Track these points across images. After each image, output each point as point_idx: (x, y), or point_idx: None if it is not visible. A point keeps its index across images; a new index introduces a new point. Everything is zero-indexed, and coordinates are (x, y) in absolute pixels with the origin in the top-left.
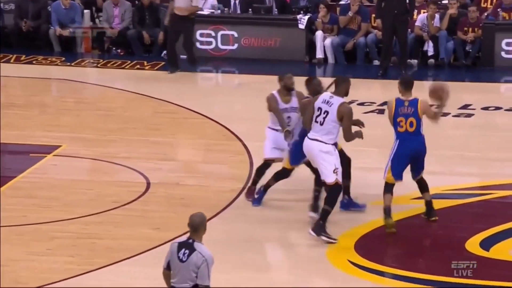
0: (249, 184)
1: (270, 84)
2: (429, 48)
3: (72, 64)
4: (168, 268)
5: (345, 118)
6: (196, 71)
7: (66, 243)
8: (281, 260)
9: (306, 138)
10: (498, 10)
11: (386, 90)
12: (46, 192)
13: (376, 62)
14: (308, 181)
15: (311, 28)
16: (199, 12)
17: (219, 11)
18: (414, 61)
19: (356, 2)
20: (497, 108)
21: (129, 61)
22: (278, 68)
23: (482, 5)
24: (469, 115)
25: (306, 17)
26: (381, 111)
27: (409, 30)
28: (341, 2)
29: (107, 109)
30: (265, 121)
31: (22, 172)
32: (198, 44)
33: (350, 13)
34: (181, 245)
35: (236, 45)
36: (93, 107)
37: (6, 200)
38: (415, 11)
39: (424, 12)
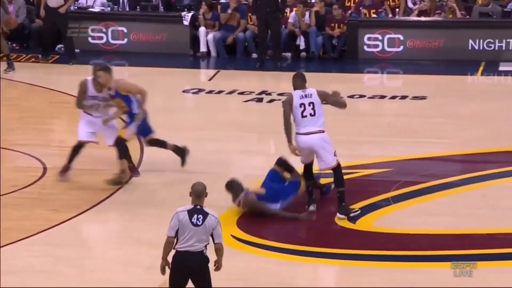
0: (65, 163)
1: (157, 75)
2: (301, 42)
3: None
4: (175, 235)
5: (327, 95)
6: (89, 64)
7: None
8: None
9: (303, 135)
10: (360, 8)
11: (263, 81)
12: None
13: (254, 55)
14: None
15: (194, 24)
16: (91, 9)
17: (109, 8)
18: (288, 54)
19: (234, 0)
20: (361, 96)
21: (24, 55)
22: (165, 61)
23: (346, 4)
24: None
25: (190, 14)
26: (259, 100)
27: (283, 26)
28: (222, 1)
29: (5, 100)
30: (153, 110)
31: None
32: (90, 39)
33: (229, 11)
34: (191, 212)
35: (125, 40)
36: None
37: None
38: (288, 9)
39: (295, 10)
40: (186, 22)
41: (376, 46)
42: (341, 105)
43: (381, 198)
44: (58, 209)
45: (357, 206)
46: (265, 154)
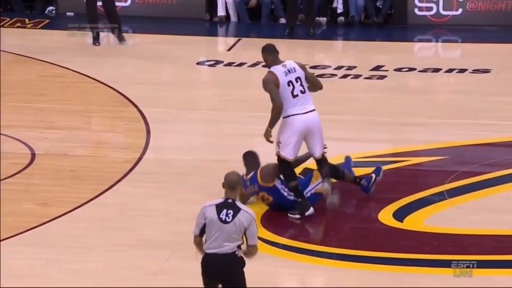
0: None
1: (166, 44)
2: (338, 5)
3: None
4: (201, 234)
5: (305, 68)
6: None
7: None
8: (182, 233)
9: (302, 115)
10: None
11: (292, 51)
12: None
13: (283, 21)
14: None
15: None
16: None
17: None
18: (323, 19)
19: None
20: (411, 69)
21: (9, 19)
22: (176, 27)
23: None
24: (382, 77)
25: None
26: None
27: None
28: None
29: None
30: (161, 85)
31: None
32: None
33: None
34: (220, 207)
35: (129, 2)
36: None
37: None
38: None
39: None
40: None
41: (430, 8)
42: (318, 85)
43: (433, 192)
44: (48, 203)
45: (405, 201)
46: None
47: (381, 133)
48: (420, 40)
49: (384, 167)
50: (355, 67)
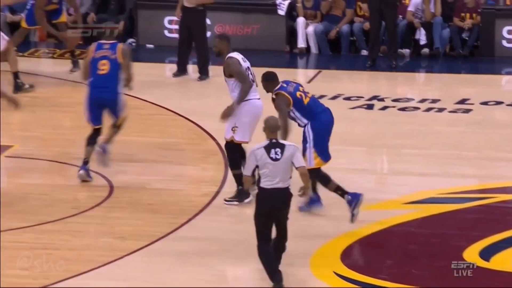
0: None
1: None
2: (421, 36)
3: (25, 54)
4: (252, 175)
5: None
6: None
7: (19, 254)
8: (260, 271)
9: (257, 100)
10: None
11: (374, 83)
12: None
13: (364, 52)
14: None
15: (291, 14)
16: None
17: None
18: (406, 51)
19: None
20: (498, 103)
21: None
22: (255, 59)
23: None
24: (467, 111)
25: (287, 2)
26: (369, 106)
27: (399, 16)
28: None
29: (64, 105)
30: None
31: None
32: (166, 32)
33: None
34: (268, 147)
35: (208, 34)
36: (49, 103)
37: None
38: None
39: None
40: (281, 12)
41: None
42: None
43: None
44: (125, 236)
45: (492, 239)
46: (375, 173)
47: (466, 168)
48: (508, 73)
49: (471, 204)
50: (439, 100)
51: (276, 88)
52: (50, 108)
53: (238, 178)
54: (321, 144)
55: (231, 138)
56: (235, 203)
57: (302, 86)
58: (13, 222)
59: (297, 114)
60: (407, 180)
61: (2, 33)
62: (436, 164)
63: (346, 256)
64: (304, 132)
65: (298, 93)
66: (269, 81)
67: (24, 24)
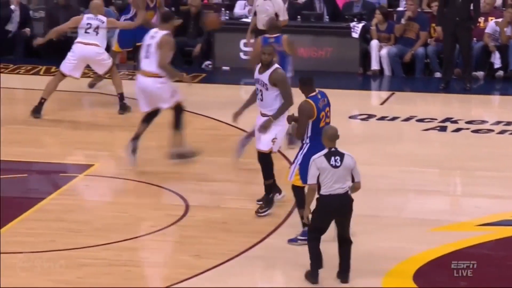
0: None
1: None
2: (496, 60)
3: (106, 76)
4: (316, 183)
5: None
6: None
7: (98, 271)
8: None
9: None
10: None
11: (447, 105)
12: (76, 215)
13: (438, 75)
14: None
15: (365, 37)
16: (244, 19)
17: None
18: (480, 74)
19: (411, 7)
20: None
21: None
22: (329, 81)
23: None
24: None
25: (360, 25)
26: (442, 128)
27: (474, 39)
28: (399, 9)
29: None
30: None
31: (50, 193)
32: (241, 55)
33: (402, 20)
34: (328, 155)
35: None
36: (128, 123)
37: (33, 224)
38: (482, 18)
39: (491, 20)
40: (355, 35)
41: None
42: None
43: None
44: (201, 255)
45: None
46: (448, 194)
47: None
48: None
49: None
50: None
51: (312, 95)
52: (128, 128)
53: (269, 187)
54: (306, 168)
55: (270, 149)
56: (268, 211)
57: (329, 107)
58: (93, 240)
59: (307, 129)
60: (480, 202)
61: (106, 54)
62: (510, 187)
63: (419, 277)
64: (301, 147)
65: (322, 113)
66: (304, 85)
67: (117, 48)
